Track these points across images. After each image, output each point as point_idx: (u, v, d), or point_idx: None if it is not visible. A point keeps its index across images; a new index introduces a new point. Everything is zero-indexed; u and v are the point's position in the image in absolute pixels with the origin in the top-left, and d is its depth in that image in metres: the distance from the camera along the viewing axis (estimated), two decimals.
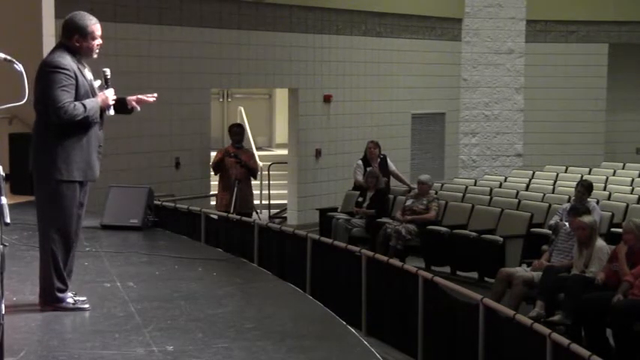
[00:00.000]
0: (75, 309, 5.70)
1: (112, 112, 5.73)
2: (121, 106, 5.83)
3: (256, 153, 17.05)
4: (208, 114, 13.96)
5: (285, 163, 16.03)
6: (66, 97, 5.41)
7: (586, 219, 8.89)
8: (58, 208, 5.56)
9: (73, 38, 5.56)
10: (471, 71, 18.63)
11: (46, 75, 5.44)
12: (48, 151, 5.51)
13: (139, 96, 5.91)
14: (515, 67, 18.70)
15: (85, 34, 5.57)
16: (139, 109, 5.95)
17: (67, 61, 5.48)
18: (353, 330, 5.87)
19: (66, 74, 5.44)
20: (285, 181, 15.96)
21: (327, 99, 15.72)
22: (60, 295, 5.66)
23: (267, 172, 16.24)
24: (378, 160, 13.62)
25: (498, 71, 18.69)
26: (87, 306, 5.78)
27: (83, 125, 5.53)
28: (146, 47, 12.78)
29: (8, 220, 3.87)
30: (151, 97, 5.88)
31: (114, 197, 9.34)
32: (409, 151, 17.52)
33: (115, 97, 5.72)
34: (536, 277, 9.05)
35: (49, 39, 11.34)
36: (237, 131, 12.36)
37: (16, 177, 10.92)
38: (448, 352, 7.04)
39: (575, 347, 5.53)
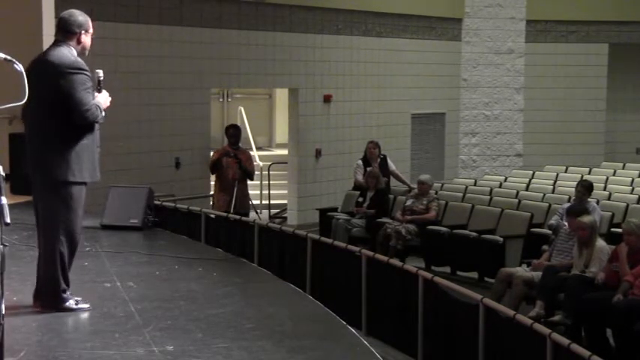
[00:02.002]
0: (77, 309, 5.69)
1: (103, 113, 5.72)
2: None
3: (256, 153, 17.10)
4: (208, 114, 13.96)
5: (285, 163, 16.02)
6: (90, 99, 5.47)
7: (586, 219, 8.89)
8: (67, 210, 5.56)
9: (78, 34, 5.58)
10: (471, 71, 18.63)
11: (69, 76, 5.44)
12: (60, 152, 5.50)
13: None
14: (515, 67, 18.69)
15: (88, 29, 5.64)
16: None
17: (81, 60, 5.53)
18: (353, 330, 5.87)
19: (87, 75, 5.49)
20: (285, 181, 15.96)
21: (327, 99, 15.72)
22: (64, 295, 5.66)
23: (267, 172, 16.24)
24: (378, 160, 13.62)
25: (498, 71, 18.69)
26: (87, 306, 5.76)
27: (91, 127, 5.56)
28: (146, 47, 12.78)
29: (8, 220, 3.86)
30: None
31: (114, 197, 9.34)
32: (409, 151, 17.52)
33: (110, 99, 5.74)
34: (536, 277, 9.06)
35: (49, 39, 11.29)
36: (233, 133, 12.33)
37: (16, 177, 10.92)
38: (448, 352, 7.04)
39: (575, 347, 5.53)
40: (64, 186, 5.53)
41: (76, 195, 5.58)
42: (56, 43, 5.62)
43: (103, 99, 5.65)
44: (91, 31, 5.66)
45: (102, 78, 5.74)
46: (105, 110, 5.67)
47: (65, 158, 5.49)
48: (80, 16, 5.63)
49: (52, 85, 5.46)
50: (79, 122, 5.45)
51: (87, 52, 5.69)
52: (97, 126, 5.66)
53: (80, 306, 5.72)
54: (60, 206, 5.56)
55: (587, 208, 9.96)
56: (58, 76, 5.45)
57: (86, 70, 5.49)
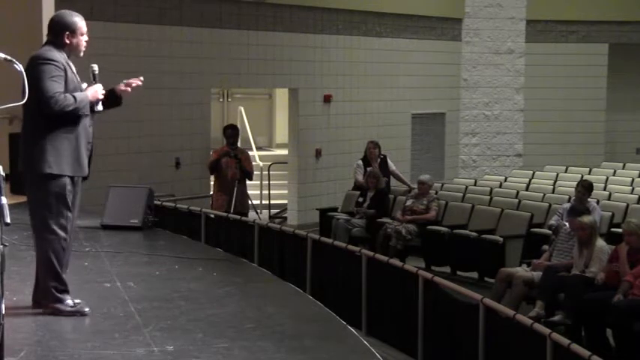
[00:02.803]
0: (75, 312, 5.58)
1: (100, 107, 5.66)
2: (111, 98, 5.76)
3: (256, 153, 17.10)
4: (208, 114, 13.96)
5: (285, 163, 16.03)
6: (56, 88, 5.38)
7: (586, 219, 8.89)
8: (48, 205, 5.46)
9: (62, 35, 5.54)
10: (471, 71, 18.63)
11: (36, 67, 5.40)
12: (36, 144, 5.44)
13: (125, 81, 5.83)
14: (515, 67, 18.69)
15: (74, 30, 5.56)
16: (129, 90, 5.83)
17: (56, 54, 5.47)
18: (353, 330, 5.87)
19: (55, 65, 5.42)
20: (285, 181, 15.96)
21: (327, 99, 15.72)
22: (59, 295, 5.56)
23: (267, 172, 16.24)
24: (378, 160, 13.61)
25: (498, 71, 18.69)
26: (87, 309, 5.65)
27: (72, 118, 5.47)
28: (146, 47, 12.78)
29: (8, 220, 3.84)
30: (137, 81, 5.82)
31: (114, 197, 9.33)
32: (409, 151, 17.52)
33: (104, 92, 5.65)
34: (536, 277, 9.06)
35: None
36: (231, 133, 12.31)
37: (16, 177, 10.92)
38: (448, 352, 7.04)
39: (575, 347, 5.54)
40: (42, 179, 5.45)
41: (56, 188, 5.46)
42: (45, 42, 5.62)
43: (92, 91, 5.57)
44: (81, 31, 5.57)
45: (97, 72, 5.69)
46: (92, 101, 5.56)
47: (41, 150, 5.41)
48: (68, 17, 5.58)
49: (28, 80, 5.42)
50: (45, 110, 5.36)
51: (80, 53, 5.61)
52: (88, 121, 5.59)
53: (78, 309, 5.61)
54: (40, 200, 5.48)
55: (588, 208, 9.96)
56: (29, 69, 5.36)
57: (55, 61, 5.41)
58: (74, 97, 5.44)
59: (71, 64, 5.58)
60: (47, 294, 5.58)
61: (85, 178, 5.70)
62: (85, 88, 5.62)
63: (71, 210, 5.57)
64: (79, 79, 5.61)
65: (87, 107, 5.54)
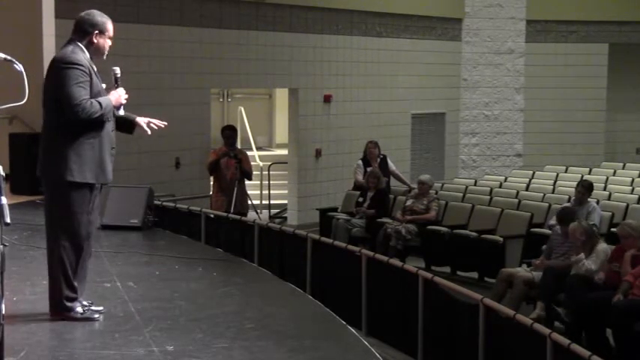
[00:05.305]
0: (84, 319, 5.48)
1: (122, 111, 5.59)
2: (126, 124, 5.72)
3: (256, 153, 17.10)
4: (208, 114, 13.96)
5: (285, 163, 16.03)
6: (83, 94, 5.26)
7: (571, 227, 8.77)
8: (68, 213, 5.37)
9: (91, 34, 5.46)
10: (471, 71, 18.63)
11: (61, 71, 5.29)
12: (58, 151, 5.33)
13: (151, 119, 5.80)
14: (515, 67, 18.69)
15: (103, 31, 5.51)
16: (149, 132, 5.81)
17: (80, 57, 5.36)
18: (353, 330, 5.87)
19: (81, 70, 5.30)
20: (285, 181, 15.96)
21: (327, 99, 15.72)
22: (69, 304, 5.45)
23: (267, 172, 16.24)
24: (378, 160, 13.62)
25: (498, 71, 18.69)
26: (97, 316, 5.57)
27: (96, 124, 5.37)
28: (146, 47, 12.77)
29: (8, 220, 3.83)
30: (160, 124, 5.81)
31: (114, 197, 9.33)
32: (409, 151, 17.52)
33: (126, 97, 5.58)
34: (537, 277, 9.05)
35: (49, 39, 11.34)
36: (229, 134, 12.26)
37: (16, 177, 10.93)
38: (448, 352, 7.04)
39: (575, 347, 5.53)
40: (62, 186, 5.34)
41: (77, 196, 5.37)
42: (68, 41, 5.51)
43: (115, 96, 5.49)
44: (108, 33, 5.52)
45: (119, 75, 5.60)
46: (116, 107, 5.50)
47: (63, 157, 5.31)
48: (98, 17, 5.53)
49: (50, 83, 5.36)
50: (71, 117, 5.25)
51: (103, 55, 5.54)
52: (111, 126, 5.50)
53: (87, 315, 5.50)
54: (61, 209, 5.38)
55: (570, 213, 9.70)
56: (53, 72, 5.34)
57: (80, 65, 5.30)
58: (99, 103, 5.34)
59: (94, 65, 5.47)
60: (58, 303, 5.47)
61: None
62: (105, 89, 5.53)
63: (90, 216, 5.49)
64: (100, 80, 5.51)
65: (111, 112, 5.47)
